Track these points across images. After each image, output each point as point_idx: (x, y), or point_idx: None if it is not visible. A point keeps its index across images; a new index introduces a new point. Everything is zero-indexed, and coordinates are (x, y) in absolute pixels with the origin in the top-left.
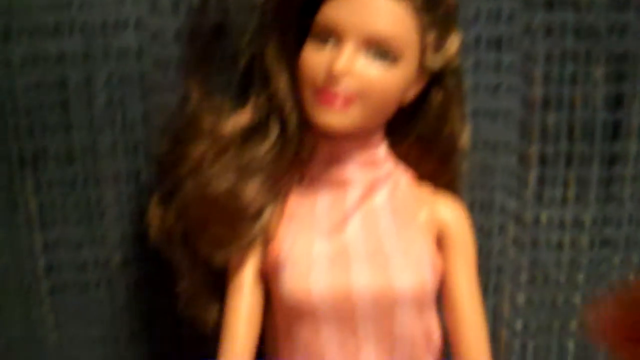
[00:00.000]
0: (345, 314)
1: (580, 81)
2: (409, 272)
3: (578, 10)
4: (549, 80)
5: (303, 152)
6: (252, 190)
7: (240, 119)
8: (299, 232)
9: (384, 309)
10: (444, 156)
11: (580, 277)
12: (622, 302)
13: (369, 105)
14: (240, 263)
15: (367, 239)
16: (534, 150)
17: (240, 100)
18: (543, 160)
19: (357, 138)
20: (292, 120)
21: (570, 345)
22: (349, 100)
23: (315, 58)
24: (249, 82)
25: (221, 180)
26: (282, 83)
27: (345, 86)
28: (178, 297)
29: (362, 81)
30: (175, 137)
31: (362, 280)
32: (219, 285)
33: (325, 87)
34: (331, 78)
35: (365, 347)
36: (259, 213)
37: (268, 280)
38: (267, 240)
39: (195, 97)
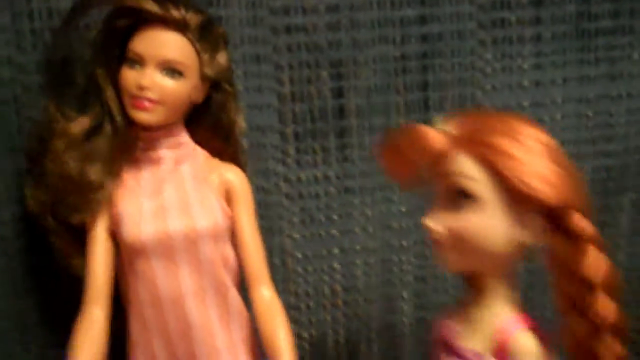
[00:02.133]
0: (166, 249)
1: (313, 80)
2: (206, 216)
3: (307, 33)
4: (293, 82)
5: (129, 141)
6: (96, 170)
7: (83, 121)
8: (130, 197)
9: (191, 242)
10: (227, 138)
11: (334, 216)
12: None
13: (167, 106)
14: (93, 222)
15: (177, 197)
16: (289, 130)
17: (82, 109)
18: (297, 137)
19: (163, 129)
20: (120, 119)
21: (336, 265)
22: (153, 104)
23: (129, 76)
24: (87, 95)
25: (72, 164)
26: (110, 94)
27: (150, 95)
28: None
29: (161, 91)
30: (39, 138)
31: (176, 225)
32: (81, 241)
33: (137, 96)
34: (140, 90)
35: (181, 269)
36: (101, 186)
37: (114, 232)
38: (110, 204)
39: (51, 109)
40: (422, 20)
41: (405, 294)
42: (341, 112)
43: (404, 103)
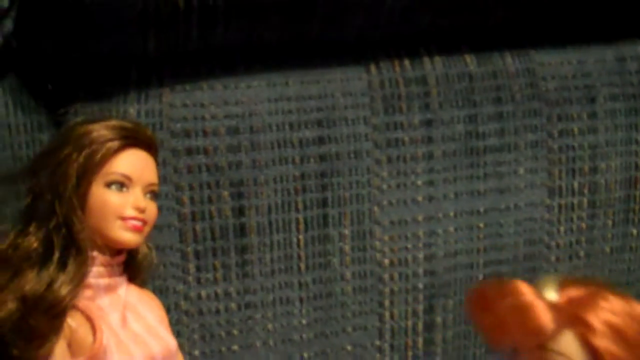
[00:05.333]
0: None
1: (214, 200)
2: (170, 337)
3: (207, 154)
4: (193, 202)
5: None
6: (65, 287)
7: (29, 243)
8: (104, 326)
9: None
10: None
11: (234, 331)
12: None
13: (149, 228)
14: (61, 355)
15: (139, 322)
16: (190, 248)
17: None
18: (197, 255)
19: (123, 254)
20: (85, 243)
21: None
22: (144, 226)
23: (116, 198)
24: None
25: (33, 282)
26: (78, 218)
27: (144, 217)
28: None
29: (150, 213)
30: None
31: (157, 348)
32: None
33: (133, 217)
34: (139, 212)
35: None
36: (68, 306)
37: None
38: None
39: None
40: (320, 140)
41: None
42: (242, 230)
43: (304, 220)
